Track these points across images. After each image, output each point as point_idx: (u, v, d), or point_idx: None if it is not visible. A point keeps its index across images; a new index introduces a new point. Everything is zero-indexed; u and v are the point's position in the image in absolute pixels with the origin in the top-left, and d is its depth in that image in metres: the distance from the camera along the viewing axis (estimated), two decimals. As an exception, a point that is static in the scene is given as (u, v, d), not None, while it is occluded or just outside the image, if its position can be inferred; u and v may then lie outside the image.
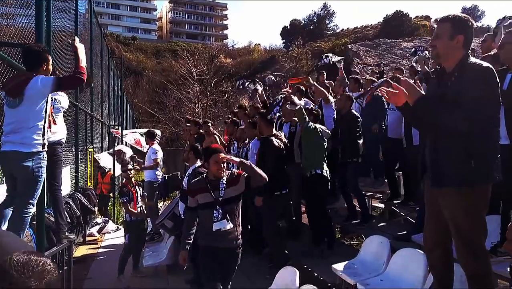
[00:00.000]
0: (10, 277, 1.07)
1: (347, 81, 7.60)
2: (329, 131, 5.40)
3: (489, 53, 3.65)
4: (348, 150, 5.43)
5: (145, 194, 6.70)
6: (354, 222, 5.66)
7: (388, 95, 2.52)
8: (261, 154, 4.89)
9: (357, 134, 5.49)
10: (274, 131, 5.03)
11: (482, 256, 2.37)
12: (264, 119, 5.06)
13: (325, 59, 8.48)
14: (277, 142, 4.81)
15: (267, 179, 3.51)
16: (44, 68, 3.40)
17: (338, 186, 5.94)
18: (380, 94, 3.45)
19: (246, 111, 7.56)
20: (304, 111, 5.13)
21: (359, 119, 5.57)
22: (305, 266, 4.82)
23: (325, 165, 5.16)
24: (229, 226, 3.45)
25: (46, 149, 3.40)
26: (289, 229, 5.78)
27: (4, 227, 3.32)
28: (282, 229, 5.59)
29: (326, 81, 8.19)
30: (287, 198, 5.13)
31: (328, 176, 5.17)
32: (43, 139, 3.34)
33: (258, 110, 6.88)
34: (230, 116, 8.79)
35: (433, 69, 2.84)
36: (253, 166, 3.55)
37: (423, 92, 2.54)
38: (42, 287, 1.09)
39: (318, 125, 5.29)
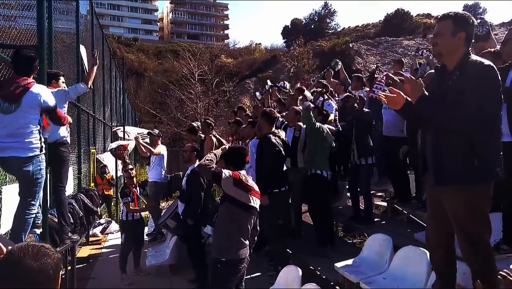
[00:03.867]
0: (9, 259, 1.26)
1: (349, 80, 7.58)
2: (333, 137, 5.36)
3: (490, 50, 3.62)
4: (361, 149, 5.36)
5: (147, 193, 6.71)
6: (356, 221, 5.63)
7: (386, 100, 2.52)
8: (260, 151, 4.86)
9: (368, 133, 5.45)
10: (273, 130, 4.99)
11: (486, 253, 2.37)
12: (266, 118, 4.94)
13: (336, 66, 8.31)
14: (275, 139, 4.77)
15: (210, 173, 3.32)
16: (35, 75, 3.51)
17: (349, 186, 5.85)
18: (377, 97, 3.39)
19: (246, 112, 7.50)
20: (311, 111, 5.09)
21: (370, 117, 5.51)
22: (308, 265, 4.82)
23: (326, 167, 5.11)
24: (207, 231, 3.18)
25: (44, 151, 3.47)
26: (284, 228, 5.74)
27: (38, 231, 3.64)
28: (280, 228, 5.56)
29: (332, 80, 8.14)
30: (286, 198, 5.08)
31: (329, 177, 5.12)
32: (41, 142, 3.41)
33: (260, 109, 6.85)
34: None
35: (434, 68, 2.82)
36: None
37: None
38: (40, 268, 1.25)
39: (325, 126, 5.25)
